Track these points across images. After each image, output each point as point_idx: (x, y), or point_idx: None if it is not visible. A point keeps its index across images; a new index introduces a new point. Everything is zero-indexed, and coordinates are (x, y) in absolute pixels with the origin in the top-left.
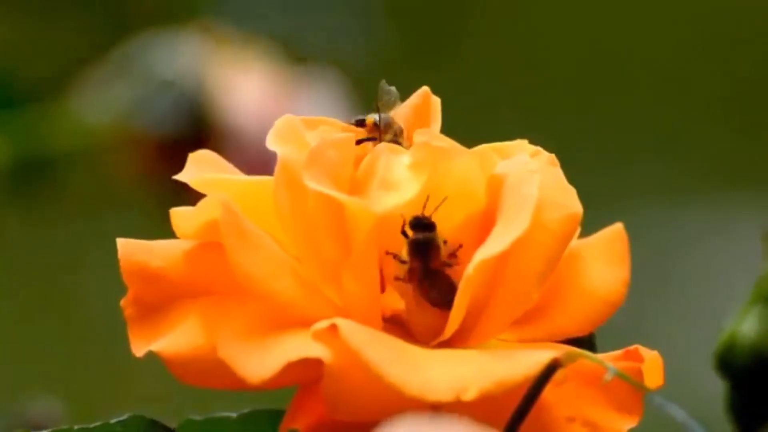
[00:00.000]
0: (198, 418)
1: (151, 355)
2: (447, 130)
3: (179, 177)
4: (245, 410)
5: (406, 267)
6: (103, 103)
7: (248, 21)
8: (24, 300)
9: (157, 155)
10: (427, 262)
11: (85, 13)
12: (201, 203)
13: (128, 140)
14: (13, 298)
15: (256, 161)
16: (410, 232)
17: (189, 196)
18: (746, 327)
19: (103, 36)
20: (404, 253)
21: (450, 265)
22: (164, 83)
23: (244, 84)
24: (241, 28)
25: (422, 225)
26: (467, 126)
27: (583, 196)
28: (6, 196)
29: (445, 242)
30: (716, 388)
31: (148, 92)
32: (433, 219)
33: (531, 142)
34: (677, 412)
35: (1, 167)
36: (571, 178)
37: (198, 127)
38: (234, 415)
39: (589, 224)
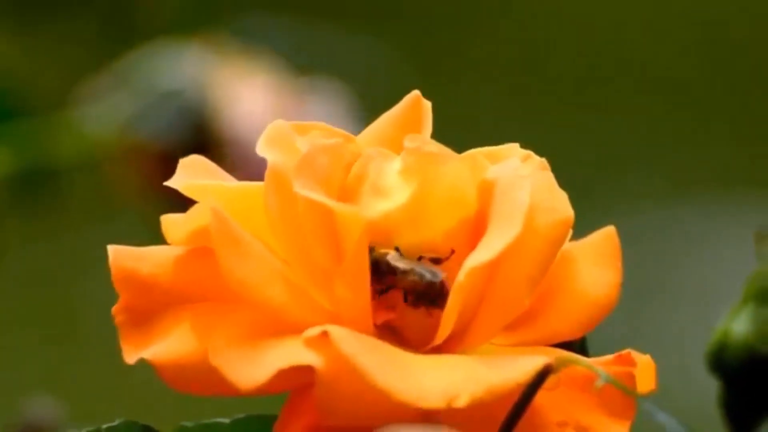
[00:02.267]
0: (190, 424)
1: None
2: (447, 137)
3: (170, 183)
4: (239, 416)
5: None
6: (107, 114)
7: (252, 33)
8: (26, 306)
9: (160, 166)
10: (391, 273)
11: (88, 25)
12: (192, 210)
13: (131, 151)
14: (15, 304)
15: (259, 172)
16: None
17: (191, 206)
18: (738, 326)
19: (107, 48)
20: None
21: (438, 261)
22: (167, 95)
23: (248, 96)
24: (245, 40)
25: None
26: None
27: (578, 201)
28: (9, 206)
29: (397, 249)
30: (713, 388)
31: (152, 103)
32: (424, 225)
33: (525, 146)
34: (667, 420)
35: (5, 178)
36: (567, 183)
37: (201, 139)
38: (227, 420)
39: (585, 229)
